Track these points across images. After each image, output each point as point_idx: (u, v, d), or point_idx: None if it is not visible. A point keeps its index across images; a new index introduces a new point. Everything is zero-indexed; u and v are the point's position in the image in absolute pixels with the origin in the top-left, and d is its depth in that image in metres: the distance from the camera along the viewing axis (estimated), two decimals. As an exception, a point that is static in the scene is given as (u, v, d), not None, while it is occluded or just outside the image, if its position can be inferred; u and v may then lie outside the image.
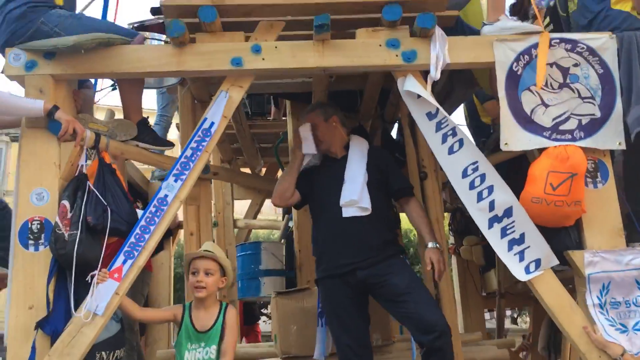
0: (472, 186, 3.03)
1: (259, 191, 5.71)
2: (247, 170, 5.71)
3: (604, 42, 3.12)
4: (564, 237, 3.04)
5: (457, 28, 3.42)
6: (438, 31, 3.15)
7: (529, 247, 2.94)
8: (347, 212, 3.27)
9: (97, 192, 2.95)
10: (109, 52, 3.12)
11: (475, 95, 4.68)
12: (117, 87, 3.76)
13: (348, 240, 3.23)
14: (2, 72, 3.14)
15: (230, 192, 5.26)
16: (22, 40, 3.03)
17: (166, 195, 2.99)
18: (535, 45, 3.11)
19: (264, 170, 6.10)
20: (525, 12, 4.03)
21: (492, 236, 2.99)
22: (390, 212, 3.62)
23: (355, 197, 3.26)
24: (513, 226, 2.95)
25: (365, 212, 3.26)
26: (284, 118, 5.06)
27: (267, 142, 5.34)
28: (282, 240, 5.44)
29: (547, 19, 3.69)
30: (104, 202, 2.93)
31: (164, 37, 3.70)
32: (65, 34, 3.02)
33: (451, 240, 6.05)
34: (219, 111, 3.13)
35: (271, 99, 5.20)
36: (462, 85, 4.14)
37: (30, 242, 2.89)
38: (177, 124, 4.87)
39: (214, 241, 4.09)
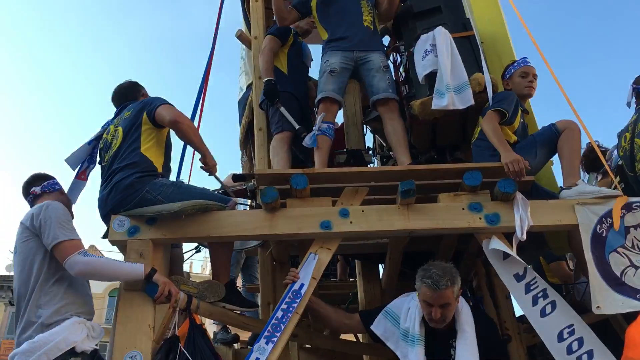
0: (569, 351, 2.95)
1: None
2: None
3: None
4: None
5: (533, 191, 3.55)
6: (518, 195, 3.28)
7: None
8: None
9: (187, 354, 2.96)
10: (205, 217, 3.30)
11: (542, 255, 4.70)
12: (201, 249, 3.92)
13: None
14: (104, 238, 3.33)
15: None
16: (127, 208, 3.25)
17: (257, 359, 2.97)
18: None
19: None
20: (594, 167, 4.17)
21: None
22: None
23: None
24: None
25: None
26: (350, 280, 5.09)
27: (334, 304, 5.30)
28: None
29: (618, 178, 3.82)
30: (195, 363, 2.92)
31: (248, 201, 3.92)
32: (167, 201, 3.23)
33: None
34: (309, 273, 3.21)
35: (336, 259, 5.28)
36: (533, 246, 4.17)
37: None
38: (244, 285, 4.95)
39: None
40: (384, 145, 5.34)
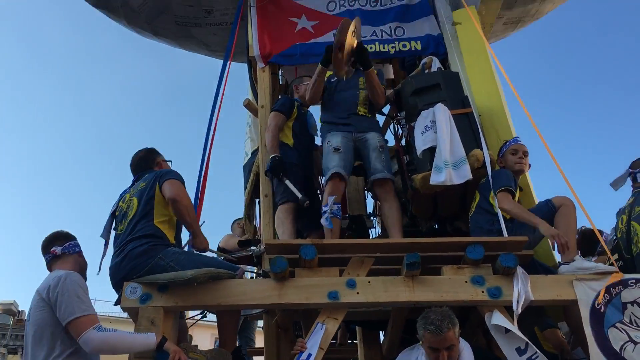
0: None
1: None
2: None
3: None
4: None
5: (531, 265, 3.67)
6: (519, 269, 3.41)
7: None
8: None
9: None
10: (216, 285, 3.38)
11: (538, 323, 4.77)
12: (206, 315, 3.97)
13: None
14: (115, 305, 3.39)
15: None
16: (140, 275, 3.33)
17: None
18: (614, 285, 3.32)
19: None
20: (590, 250, 4.32)
21: None
22: None
23: None
24: None
25: None
26: (350, 342, 5.13)
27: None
28: None
29: (616, 255, 3.95)
30: None
31: (254, 268, 4.01)
32: (180, 269, 3.32)
33: None
34: (316, 343, 3.27)
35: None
36: (532, 315, 4.28)
37: None
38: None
39: None
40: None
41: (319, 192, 4.84)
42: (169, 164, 3.89)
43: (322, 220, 4.03)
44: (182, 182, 3.56)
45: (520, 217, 3.62)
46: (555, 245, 3.50)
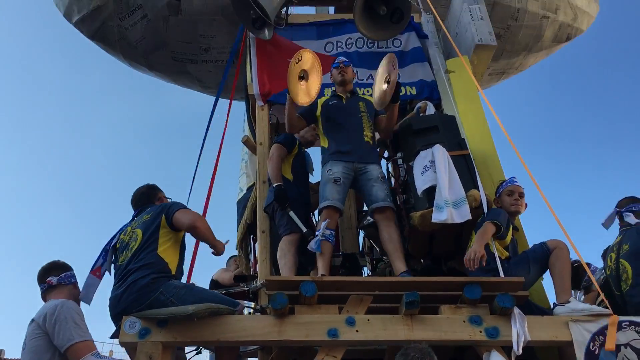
0: None
1: None
2: None
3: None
4: None
5: (526, 306, 3.74)
6: (516, 310, 3.47)
7: None
8: None
9: None
10: (215, 321, 3.37)
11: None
12: (201, 350, 3.94)
13: None
14: (112, 337, 3.36)
15: None
16: (140, 308, 3.30)
17: None
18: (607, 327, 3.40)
19: None
20: (576, 284, 4.40)
21: None
22: None
23: None
24: None
25: None
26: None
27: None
28: None
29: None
30: None
31: (252, 303, 4.01)
32: (179, 303, 3.31)
33: None
34: (316, 381, 3.26)
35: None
36: (524, 356, 4.33)
37: None
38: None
39: None
40: (375, 247, 5.52)
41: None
42: (169, 200, 3.92)
43: (311, 244, 4.04)
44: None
45: (474, 236, 3.78)
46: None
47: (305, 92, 4.34)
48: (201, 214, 4.05)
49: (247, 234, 5.23)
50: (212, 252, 3.69)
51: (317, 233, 4.09)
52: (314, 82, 4.35)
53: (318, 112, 4.73)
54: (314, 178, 5.07)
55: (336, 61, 4.86)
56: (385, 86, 4.42)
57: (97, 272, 3.65)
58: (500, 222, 3.81)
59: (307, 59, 4.34)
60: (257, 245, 4.71)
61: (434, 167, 4.13)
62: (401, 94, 5.41)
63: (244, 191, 5.45)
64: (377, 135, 4.95)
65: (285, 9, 5.86)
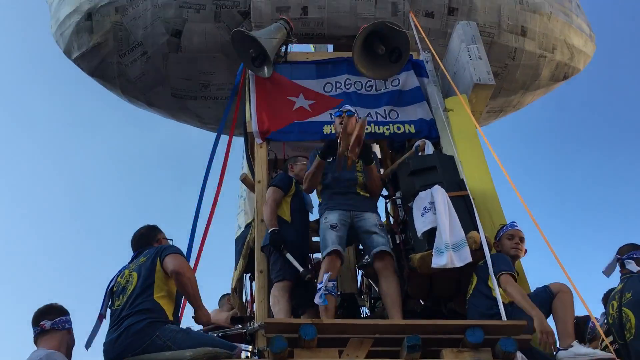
0: None
1: None
2: None
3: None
4: None
5: (529, 351, 3.67)
6: (519, 354, 3.40)
7: None
8: None
9: None
10: (212, 365, 3.29)
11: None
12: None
13: None
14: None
15: None
16: (135, 352, 3.23)
17: None
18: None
19: None
20: (581, 338, 4.33)
21: None
22: None
23: None
24: None
25: None
26: None
27: None
28: None
29: (611, 337, 3.98)
30: None
31: (249, 346, 3.93)
32: (176, 347, 3.24)
33: None
34: None
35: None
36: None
37: None
38: None
39: None
40: (372, 286, 5.46)
41: (310, 266, 4.83)
42: (170, 242, 3.87)
43: (316, 298, 4.00)
44: (184, 256, 3.54)
45: (520, 303, 3.65)
46: (540, 340, 3.53)
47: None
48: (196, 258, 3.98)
49: (244, 272, 5.16)
50: (192, 317, 3.58)
51: (319, 285, 4.05)
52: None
53: None
54: (314, 215, 5.04)
55: (339, 109, 4.81)
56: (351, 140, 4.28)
57: (102, 317, 3.58)
58: (512, 271, 3.80)
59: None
60: (254, 285, 4.64)
61: (433, 209, 4.11)
62: (399, 131, 5.46)
63: (242, 228, 5.41)
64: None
65: (284, 46, 5.91)
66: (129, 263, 3.71)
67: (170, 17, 6.21)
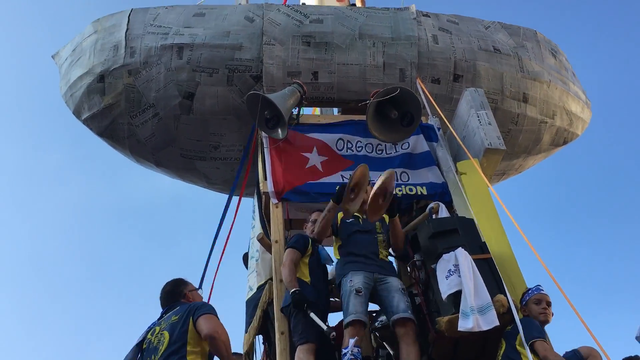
0: None
1: None
2: None
3: None
4: None
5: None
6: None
7: None
8: None
9: None
10: None
11: None
12: None
13: None
14: None
15: None
16: None
17: None
18: None
19: None
20: None
21: None
22: None
23: None
24: None
25: None
26: None
27: None
28: None
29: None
30: None
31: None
32: None
33: None
34: None
35: None
36: None
37: None
38: None
39: None
40: (389, 351, 5.36)
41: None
42: (199, 292, 3.82)
43: None
44: (217, 315, 3.48)
45: None
46: None
47: (352, 203, 4.56)
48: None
49: (256, 335, 5.06)
50: None
51: (344, 350, 4.01)
52: (360, 199, 4.61)
53: (338, 226, 4.85)
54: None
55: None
56: (380, 200, 4.54)
57: None
58: (545, 339, 3.78)
59: (361, 173, 4.58)
60: (276, 347, 4.52)
61: (458, 272, 4.12)
62: (412, 193, 5.53)
63: (254, 290, 5.31)
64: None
65: (296, 109, 6.03)
66: (159, 319, 3.63)
67: (184, 80, 6.34)
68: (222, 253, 5.05)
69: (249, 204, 6.29)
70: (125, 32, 6.63)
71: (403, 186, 5.54)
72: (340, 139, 5.92)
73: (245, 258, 6.31)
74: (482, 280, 4.09)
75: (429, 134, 6.10)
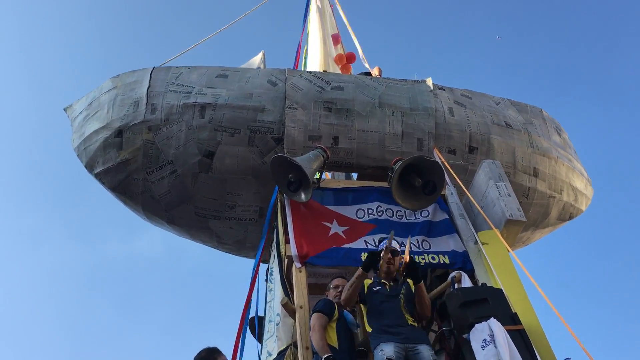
0: None
1: None
2: None
3: None
4: None
5: None
6: None
7: None
8: None
9: None
10: None
11: None
12: None
13: None
14: None
15: None
16: None
17: None
18: None
19: None
20: None
21: None
22: None
23: None
24: None
25: None
26: None
27: None
28: None
29: None
30: None
31: None
32: None
33: None
34: None
35: None
36: None
37: None
38: None
39: None
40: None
41: None
42: None
43: None
44: None
45: None
46: None
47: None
48: None
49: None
50: None
51: None
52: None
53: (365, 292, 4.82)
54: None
55: (384, 245, 4.88)
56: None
57: None
58: None
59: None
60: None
61: (493, 342, 4.08)
62: (435, 261, 5.53)
63: (274, 355, 5.17)
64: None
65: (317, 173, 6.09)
66: None
67: (205, 138, 6.38)
68: (243, 319, 4.91)
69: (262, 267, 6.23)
70: (147, 89, 6.70)
71: (426, 254, 5.54)
72: (360, 209, 5.96)
73: (253, 322, 6.18)
74: (517, 353, 4.05)
75: (442, 203, 6.18)
